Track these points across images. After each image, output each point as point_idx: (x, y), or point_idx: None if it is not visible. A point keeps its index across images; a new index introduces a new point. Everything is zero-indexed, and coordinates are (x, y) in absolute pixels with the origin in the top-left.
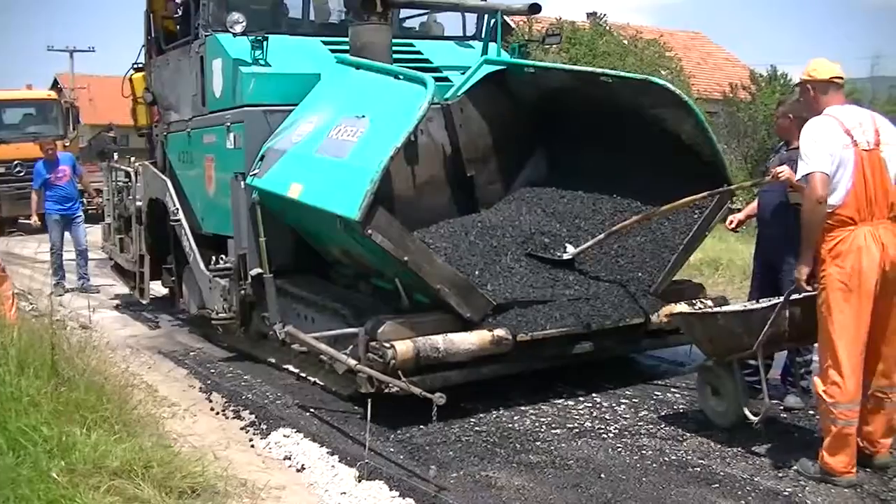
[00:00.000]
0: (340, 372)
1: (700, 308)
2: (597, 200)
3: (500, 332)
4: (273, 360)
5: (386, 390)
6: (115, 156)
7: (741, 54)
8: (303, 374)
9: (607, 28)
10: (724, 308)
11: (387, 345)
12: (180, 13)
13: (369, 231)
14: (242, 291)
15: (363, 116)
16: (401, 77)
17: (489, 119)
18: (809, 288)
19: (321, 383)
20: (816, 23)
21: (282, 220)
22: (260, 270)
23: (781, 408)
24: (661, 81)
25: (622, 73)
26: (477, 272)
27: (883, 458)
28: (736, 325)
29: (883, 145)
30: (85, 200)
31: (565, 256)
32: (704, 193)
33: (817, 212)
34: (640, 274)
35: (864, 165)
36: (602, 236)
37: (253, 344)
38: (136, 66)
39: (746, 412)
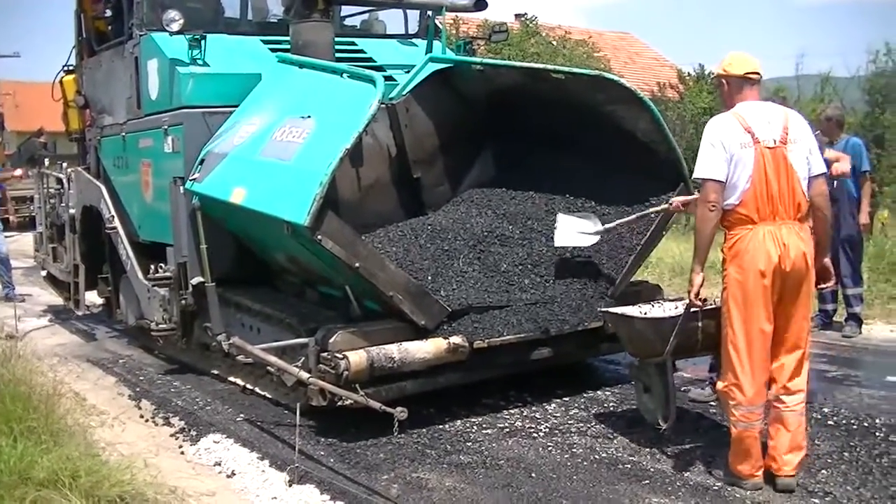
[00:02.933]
0: (289, 384)
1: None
2: (549, 201)
3: (456, 339)
4: (217, 372)
5: (339, 403)
6: (47, 162)
7: (670, 54)
8: (249, 387)
9: (536, 29)
10: (638, 314)
11: (339, 356)
12: (110, 13)
13: (319, 237)
14: (183, 301)
15: (308, 117)
16: (347, 76)
17: (435, 119)
18: (699, 301)
19: (269, 396)
20: (745, 21)
21: (224, 226)
22: (201, 279)
23: (689, 402)
24: (615, 77)
25: (575, 70)
26: (430, 277)
27: (786, 480)
28: (649, 331)
29: (790, 144)
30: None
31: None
32: None
33: (708, 218)
34: (597, 276)
35: (766, 164)
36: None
37: (194, 355)
38: (66, 68)
39: (658, 417)
